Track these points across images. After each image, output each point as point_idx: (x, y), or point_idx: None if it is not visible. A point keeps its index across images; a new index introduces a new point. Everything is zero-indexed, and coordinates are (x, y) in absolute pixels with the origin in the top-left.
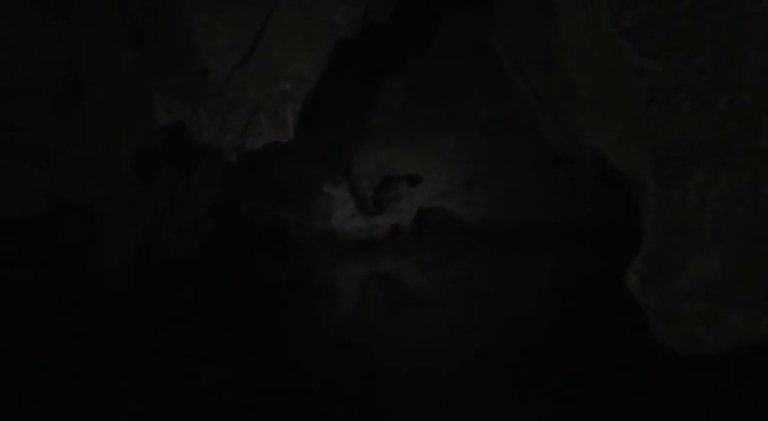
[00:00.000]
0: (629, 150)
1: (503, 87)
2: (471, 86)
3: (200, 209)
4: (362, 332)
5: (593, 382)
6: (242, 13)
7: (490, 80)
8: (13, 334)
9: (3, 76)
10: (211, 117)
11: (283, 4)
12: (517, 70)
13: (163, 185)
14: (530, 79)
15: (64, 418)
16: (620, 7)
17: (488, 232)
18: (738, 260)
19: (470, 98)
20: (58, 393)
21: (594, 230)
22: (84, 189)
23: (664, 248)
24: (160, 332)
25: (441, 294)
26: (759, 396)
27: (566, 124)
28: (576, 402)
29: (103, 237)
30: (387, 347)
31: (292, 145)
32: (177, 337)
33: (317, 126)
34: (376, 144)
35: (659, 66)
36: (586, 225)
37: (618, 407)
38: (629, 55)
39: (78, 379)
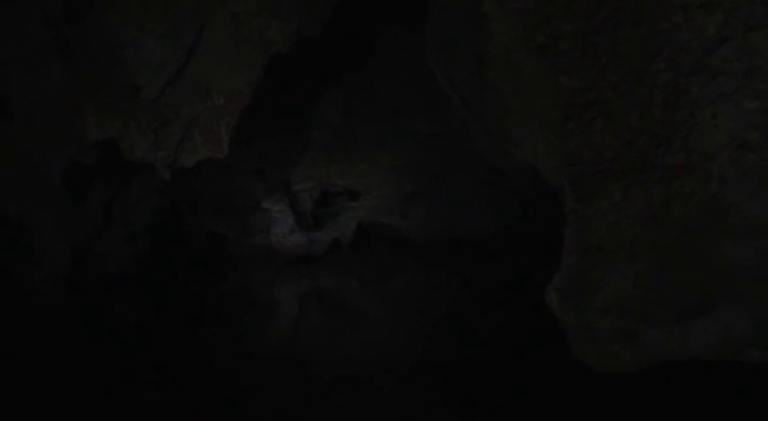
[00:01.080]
0: (556, 165)
1: (440, 102)
2: (409, 101)
3: (136, 225)
4: (301, 348)
5: (526, 396)
6: (173, 28)
7: (428, 94)
8: None
9: None
10: (143, 133)
11: (216, 19)
12: (450, 84)
13: (97, 201)
14: (463, 93)
15: None
16: (533, 23)
17: (427, 245)
18: (653, 277)
19: (409, 112)
20: None
21: (531, 242)
22: (13, 204)
23: (581, 265)
24: (93, 348)
25: (380, 309)
26: (676, 412)
27: (498, 138)
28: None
29: (34, 253)
30: (326, 362)
31: (231, 160)
32: (111, 354)
33: (255, 141)
34: (315, 159)
35: (573, 81)
36: (523, 237)
37: None
38: (547, 70)
39: (9, 395)
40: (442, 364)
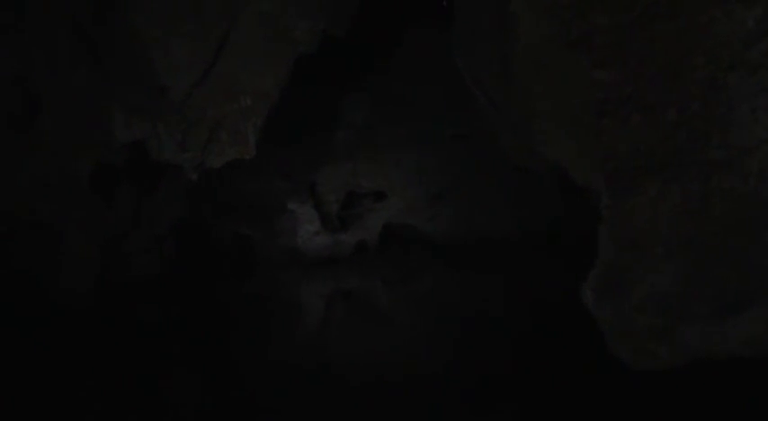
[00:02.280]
0: (586, 162)
1: (466, 102)
2: (434, 102)
3: (163, 226)
4: (327, 349)
5: (554, 400)
6: (200, 30)
7: (452, 95)
8: None
9: None
10: (171, 134)
11: (242, 20)
12: (477, 84)
13: (124, 203)
14: (489, 93)
15: None
16: (568, 18)
17: (453, 247)
18: (690, 274)
19: (433, 114)
20: (16, 413)
21: (559, 242)
22: (42, 207)
23: (617, 262)
24: (121, 350)
25: (405, 311)
26: (714, 412)
27: (525, 137)
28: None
29: (62, 255)
30: (351, 364)
31: (257, 162)
32: (137, 355)
33: (281, 142)
34: (341, 160)
35: (609, 76)
36: (550, 237)
37: None
38: (579, 66)
39: (38, 397)
40: (470, 367)
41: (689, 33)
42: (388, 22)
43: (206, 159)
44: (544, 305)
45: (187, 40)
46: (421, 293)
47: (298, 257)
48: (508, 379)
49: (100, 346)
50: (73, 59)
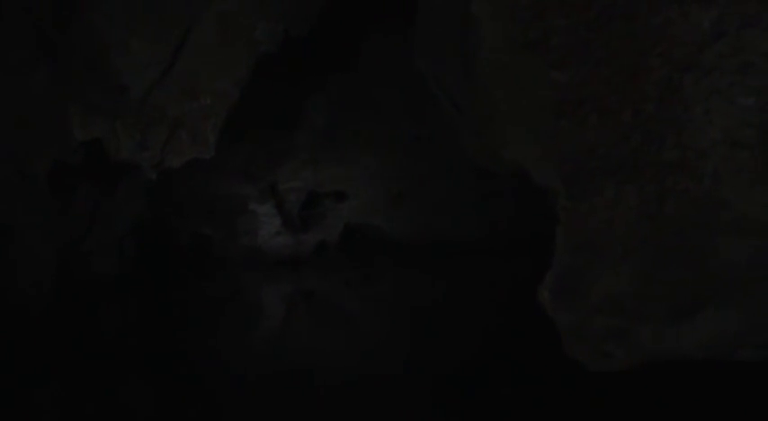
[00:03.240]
0: (546, 164)
1: (427, 104)
2: (397, 103)
3: (122, 226)
4: (288, 350)
5: (515, 400)
6: (159, 29)
7: (414, 97)
8: None
9: None
10: (130, 133)
11: (203, 20)
12: (438, 86)
13: (82, 203)
14: (451, 95)
15: None
16: (526, 19)
17: (415, 247)
18: (646, 276)
19: (396, 114)
20: None
21: (519, 245)
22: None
23: (574, 263)
24: (78, 351)
25: (368, 311)
26: (670, 412)
27: (487, 139)
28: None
29: (17, 255)
30: (313, 365)
31: (217, 161)
32: (95, 357)
33: (242, 142)
34: (302, 160)
35: (566, 77)
36: (512, 239)
37: None
38: (538, 67)
39: None
40: (431, 366)
41: (645, 35)
42: (352, 23)
43: (165, 158)
44: (507, 306)
45: (146, 39)
46: (383, 294)
47: (259, 257)
48: (470, 379)
49: (57, 348)
50: (30, 59)
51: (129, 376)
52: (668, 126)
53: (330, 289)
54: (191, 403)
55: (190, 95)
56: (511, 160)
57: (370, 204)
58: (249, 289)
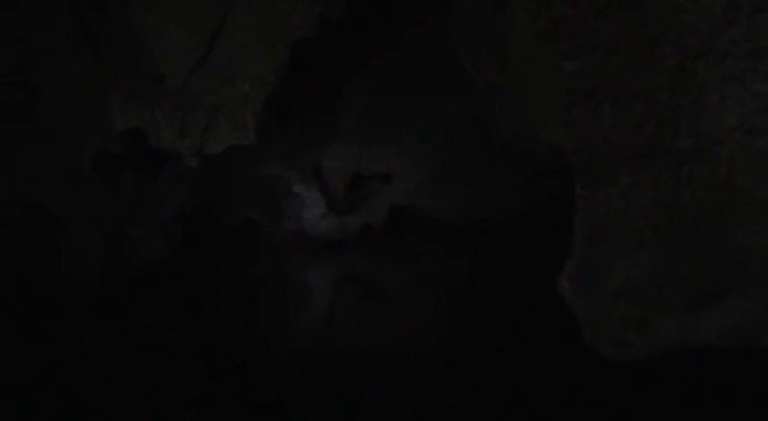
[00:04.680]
0: None
1: (469, 84)
2: (438, 84)
3: (168, 212)
4: (335, 332)
5: (554, 385)
6: (196, 16)
7: (456, 77)
8: None
9: None
10: (169, 121)
11: (239, 6)
12: (475, 67)
13: (128, 190)
14: (488, 76)
15: None
16: (534, 8)
17: (460, 228)
18: (664, 264)
19: (438, 95)
20: (17, 403)
21: (563, 224)
22: (45, 195)
23: (591, 253)
24: (128, 338)
25: (413, 293)
26: (689, 401)
27: (524, 120)
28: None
29: (66, 243)
30: (359, 347)
31: (261, 146)
32: (146, 343)
33: (285, 127)
34: (345, 143)
35: (577, 67)
36: (555, 219)
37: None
38: (550, 56)
39: (42, 389)
40: (474, 346)
41: (656, 22)
42: (390, 2)
43: (205, 145)
44: (550, 286)
45: (183, 26)
46: (428, 274)
47: (304, 241)
48: (514, 362)
49: (106, 335)
50: (72, 48)
51: (176, 362)
52: (683, 114)
53: (376, 271)
54: (238, 388)
55: (228, 82)
56: (549, 141)
57: (415, 186)
58: (295, 272)
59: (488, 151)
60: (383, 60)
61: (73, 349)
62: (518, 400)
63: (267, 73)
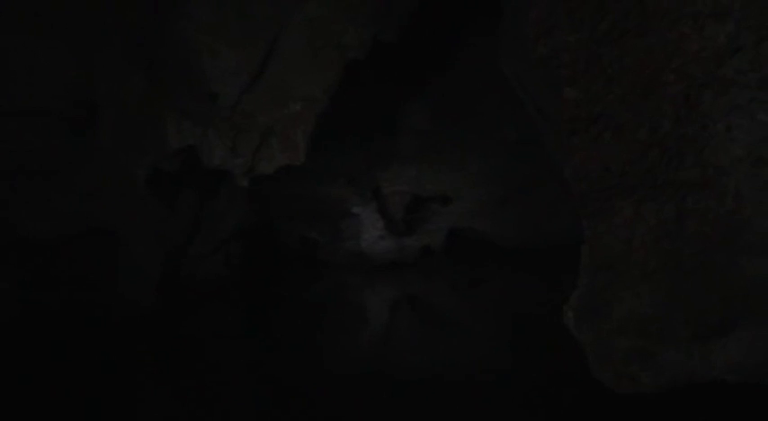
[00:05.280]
0: None
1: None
2: (496, 106)
3: (226, 230)
4: (392, 354)
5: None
6: (248, 36)
7: (517, 99)
8: (33, 359)
9: (19, 100)
10: (221, 140)
11: (290, 26)
12: (523, 90)
13: (185, 207)
14: (534, 99)
15: None
16: (535, 34)
17: (520, 251)
18: (669, 296)
19: (496, 117)
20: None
21: None
22: (105, 212)
23: (595, 284)
24: (183, 354)
25: (471, 316)
26: None
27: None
28: None
29: (122, 260)
30: (417, 369)
31: (322, 166)
32: (203, 361)
33: (344, 147)
34: (405, 164)
35: (578, 94)
36: None
37: None
38: (552, 82)
39: (97, 405)
40: (537, 375)
41: (659, 50)
42: (446, 24)
43: (256, 165)
44: None
45: (235, 46)
46: (487, 298)
47: (362, 261)
48: (574, 389)
49: (160, 353)
50: (128, 65)
51: (231, 382)
52: (687, 143)
53: (434, 293)
54: (295, 406)
55: (279, 102)
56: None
57: (475, 208)
58: (353, 293)
59: (547, 174)
60: (442, 82)
61: (126, 367)
62: None
63: (318, 93)
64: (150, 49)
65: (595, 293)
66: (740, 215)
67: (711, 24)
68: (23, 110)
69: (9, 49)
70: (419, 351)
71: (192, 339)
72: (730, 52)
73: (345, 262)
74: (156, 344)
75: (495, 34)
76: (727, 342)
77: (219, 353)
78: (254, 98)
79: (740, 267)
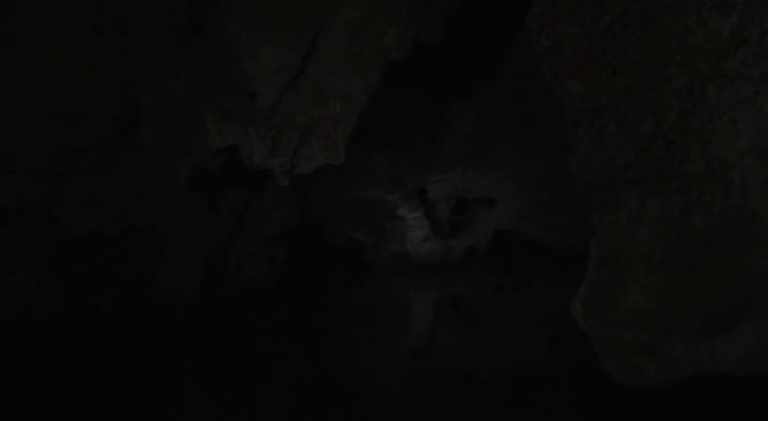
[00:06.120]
0: None
1: None
2: (541, 109)
3: (271, 231)
4: (437, 355)
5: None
6: (289, 36)
7: (558, 102)
8: (78, 357)
9: (65, 101)
10: (262, 140)
11: (331, 26)
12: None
13: (228, 208)
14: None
15: None
16: (537, 27)
17: (564, 254)
18: (675, 289)
19: (541, 120)
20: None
21: None
22: (146, 210)
23: (602, 277)
24: (227, 356)
25: (515, 317)
26: None
27: None
28: None
29: (169, 259)
30: (460, 370)
31: (368, 168)
32: (246, 360)
33: (390, 149)
34: (450, 166)
35: (582, 87)
36: None
37: None
38: (550, 76)
39: (138, 402)
40: (578, 375)
41: (663, 43)
42: (494, 26)
43: (296, 165)
44: None
45: (276, 46)
46: (532, 299)
47: (407, 262)
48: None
49: (203, 352)
50: (172, 67)
51: (275, 382)
52: (692, 136)
53: (479, 294)
54: (339, 407)
55: (319, 102)
56: None
57: (520, 210)
58: (398, 293)
59: None
60: (487, 84)
61: (169, 367)
62: None
63: (358, 93)
64: (191, 49)
65: (602, 286)
66: (746, 208)
67: (715, 17)
68: (71, 111)
69: (56, 51)
70: (463, 355)
71: (237, 340)
72: (735, 45)
73: (390, 263)
74: (199, 343)
75: None
76: (733, 335)
77: (263, 354)
78: (294, 98)
79: (747, 260)
